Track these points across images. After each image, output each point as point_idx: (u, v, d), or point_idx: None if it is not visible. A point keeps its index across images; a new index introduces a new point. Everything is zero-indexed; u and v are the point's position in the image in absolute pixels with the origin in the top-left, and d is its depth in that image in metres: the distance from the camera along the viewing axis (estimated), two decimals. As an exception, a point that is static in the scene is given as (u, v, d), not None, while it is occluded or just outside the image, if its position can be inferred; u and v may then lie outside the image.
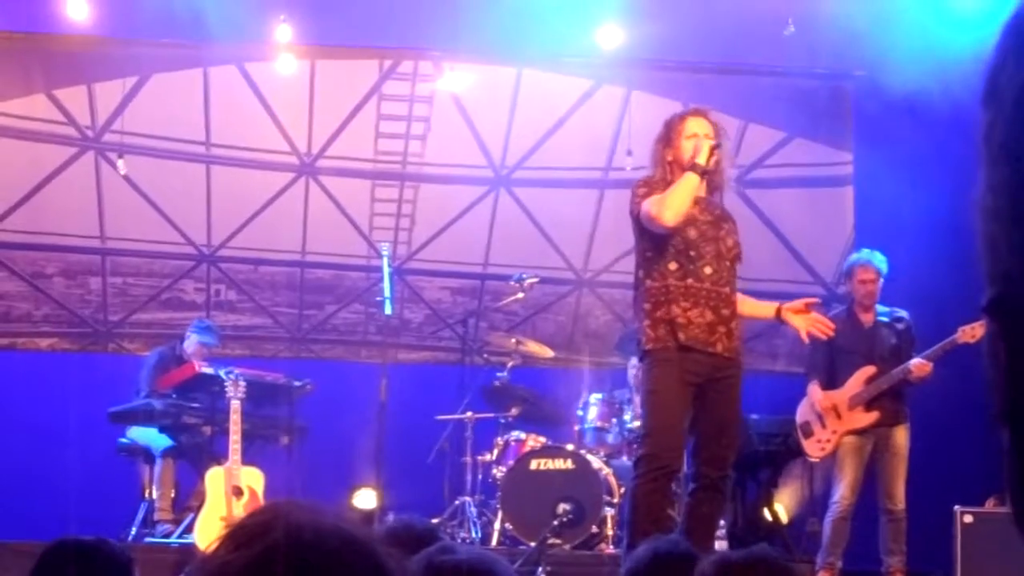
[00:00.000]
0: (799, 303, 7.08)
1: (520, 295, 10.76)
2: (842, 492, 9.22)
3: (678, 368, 6.72)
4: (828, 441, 9.33)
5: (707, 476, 6.78)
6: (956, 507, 8.93)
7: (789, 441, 9.87)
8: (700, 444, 6.83)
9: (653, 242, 6.88)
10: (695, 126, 6.95)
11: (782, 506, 10.85)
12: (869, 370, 9.29)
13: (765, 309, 7.20)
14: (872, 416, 9.23)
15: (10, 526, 9.44)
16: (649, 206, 6.79)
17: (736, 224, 7.10)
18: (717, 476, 6.79)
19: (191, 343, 10.81)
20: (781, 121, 12.23)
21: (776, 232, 12.30)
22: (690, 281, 6.77)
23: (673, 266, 6.81)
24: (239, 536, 1.96)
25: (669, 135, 7.00)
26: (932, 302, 9.67)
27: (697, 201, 6.84)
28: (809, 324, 7.04)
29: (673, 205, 6.70)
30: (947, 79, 9.27)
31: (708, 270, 6.80)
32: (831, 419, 9.33)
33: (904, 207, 10.89)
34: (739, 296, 7.04)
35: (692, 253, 6.80)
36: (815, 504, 10.19)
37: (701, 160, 6.77)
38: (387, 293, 9.71)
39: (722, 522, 9.85)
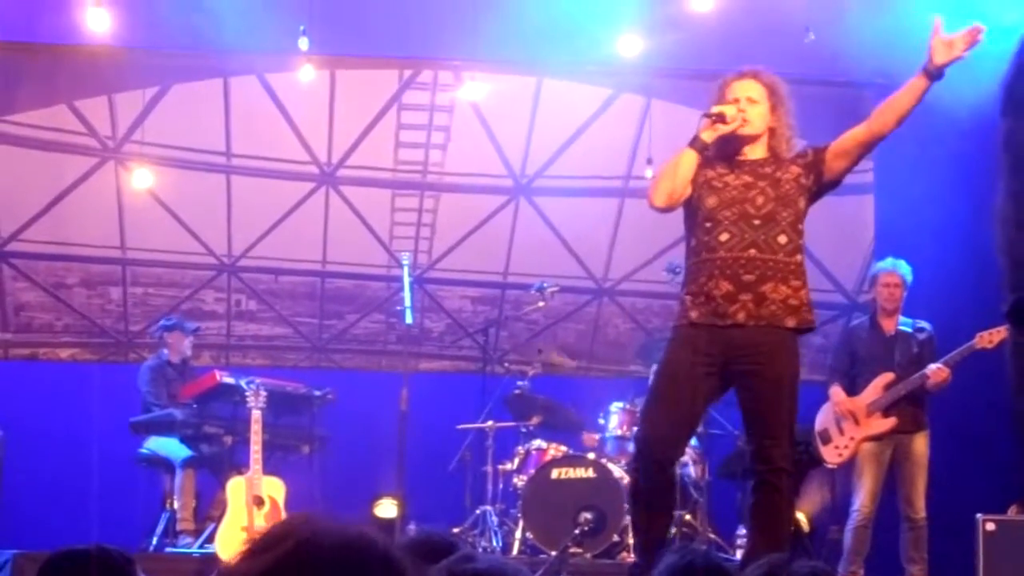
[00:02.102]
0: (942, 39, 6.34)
1: (541, 304, 10.76)
2: (862, 500, 9.21)
3: (686, 349, 6.31)
4: (846, 447, 9.33)
5: (757, 472, 6.36)
6: (978, 515, 8.89)
7: (811, 449, 9.84)
8: (748, 435, 6.46)
9: (685, 222, 6.54)
10: (738, 89, 6.57)
11: (804, 514, 10.82)
12: (888, 377, 9.28)
13: (913, 82, 6.39)
14: (890, 422, 9.22)
15: (31, 536, 9.44)
16: (648, 188, 6.55)
17: (792, 164, 6.49)
18: (765, 471, 6.31)
19: (173, 343, 10.82)
20: (801, 129, 12.19)
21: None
22: (704, 254, 6.33)
23: (693, 242, 6.44)
24: (260, 543, 1.98)
25: (717, 99, 6.61)
26: (953, 310, 9.66)
27: (739, 164, 6.46)
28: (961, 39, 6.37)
29: (660, 184, 6.41)
30: (968, 87, 9.24)
31: (724, 236, 6.30)
32: (849, 425, 9.32)
33: (925, 215, 10.86)
34: (890, 99, 6.49)
35: (708, 224, 6.34)
36: (837, 512, 10.16)
37: (705, 135, 6.41)
38: (408, 302, 9.69)
39: (743, 530, 9.87)
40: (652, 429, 6.38)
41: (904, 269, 9.44)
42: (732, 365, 6.33)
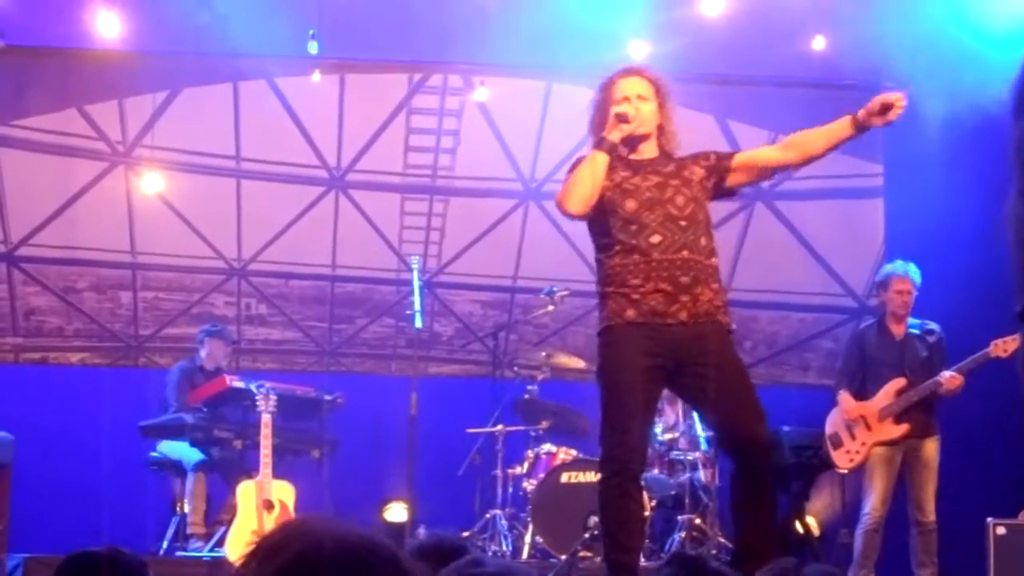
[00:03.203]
0: (876, 103, 6.08)
1: (550, 308, 10.74)
2: (872, 504, 9.19)
3: (631, 352, 6.12)
4: (857, 452, 9.30)
5: (737, 464, 6.16)
6: (989, 519, 8.88)
7: (820, 453, 9.83)
8: (715, 430, 6.25)
9: (595, 224, 6.33)
10: (626, 87, 6.34)
11: (813, 518, 10.82)
12: (900, 382, 9.26)
13: (837, 128, 6.23)
14: (902, 428, 9.20)
15: (42, 540, 9.46)
16: (557, 194, 6.31)
17: (695, 165, 6.31)
18: (746, 459, 6.13)
19: (215, 348, 10.84)
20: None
21: (806, 244, 12.27)
22: (636, 257, 6.11)
23: (616, 246, 6.18)
24: (263, 549, 1.98)
25: (600, 99, 6.41)
26: (963, 314, 9.64)
27: (640, 166, 6.29)
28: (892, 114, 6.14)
29: (574, 191, 6.19)
30: (978, 90, 9.24)
31: (656, 239, 6.11)
32: (860, 430, 9.30)
33: (934, 219, 10.86)
34: (807, 134, 6.33)
35: (633, 227, 6.13)
36: (847, 516, 10.15)
37: (607, 135, 6.22)
38: (417, 306, 9.71)
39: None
40: (624, 441, 6.18)
41: (915, 273, 9.42)
42: (685, 363, 6.16)
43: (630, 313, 6.14)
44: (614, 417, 6.24)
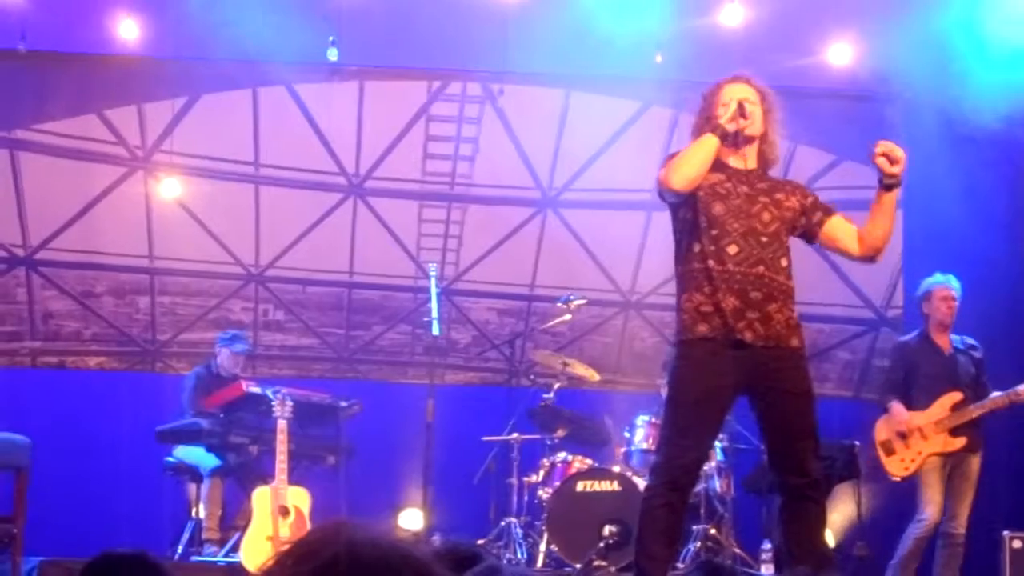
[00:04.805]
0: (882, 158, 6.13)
1: (567, 316, 10.75)
2: (931, 513, 9.12)
3: (702, 367, 6.14)
4: (912, 461, 9.23)
5: (789, 485, 6.20)
6: (1005, 532, 8.87)
7: (837, 464, 9.80)
8: (771, 450, 6.28)
9: (679, 222, 6.32)
10: (735, 92, 6.33)
11: (830, 530, 10.79)
12: (956, 396, 9.23)
13: (876, 204, 6.33)
14: (960, 442, 9.17)
15: (59, 544, 9.48)
16: (661, 170, 6.25)
17: (792, 195, 6.38)
18: (800, 483, 6.16)
19: (224, 357, 10.85)
20: (830, 143, 12.17)
21: (824, 255, 12.24)
22: (711, 263, 6.11)
23: (696, 248, 6.18)
24: (300, 551, 1.99)
25: (706, 105, 6.40)
26: (983, 325, 9.63)
27: (735, 174, 6.30)
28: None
29: (681, 167, 6.15)
30: (996, 105, 9.23)
31: (733, 249, 6.12)
32: (915, 439, 9.23)
33: (954, 230, 10.84)
34: (867, 227, 6.37)
35: (715, 232, 6.14)
36: (863, 528, 10.13)
37: (724, 121, 6.20)
38: (434, 314, 9.71)
39: (768, 545, 9.84)
40: (680, 456, 6.20)
41: (955, 282, 9.43)
42: (751, 383, 6.21)
43: (702, 328, 6.16)
44: (668, 431, 6.32)
